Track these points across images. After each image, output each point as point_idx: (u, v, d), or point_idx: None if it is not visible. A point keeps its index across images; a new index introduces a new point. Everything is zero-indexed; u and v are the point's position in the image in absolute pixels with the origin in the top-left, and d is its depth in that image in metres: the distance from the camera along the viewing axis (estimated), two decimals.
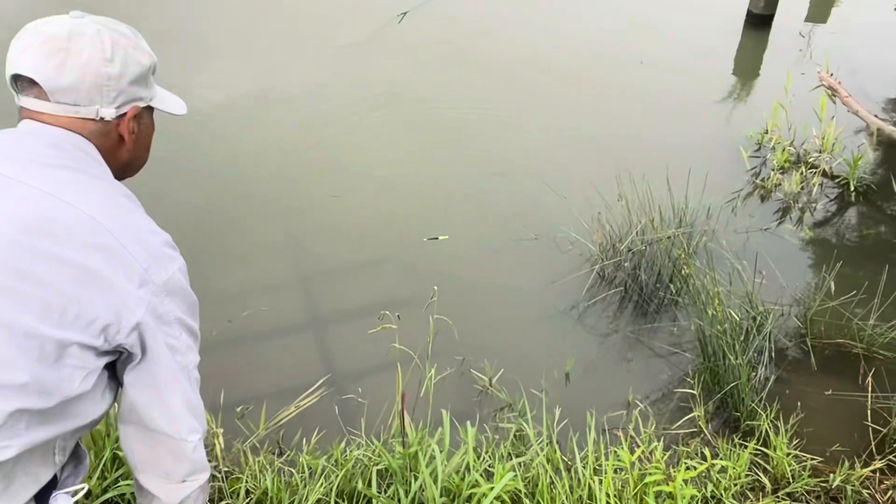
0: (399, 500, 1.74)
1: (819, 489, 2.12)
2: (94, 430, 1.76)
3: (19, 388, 0.86)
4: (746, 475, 2.10)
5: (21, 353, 0.86)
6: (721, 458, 2.12)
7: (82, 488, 1.04)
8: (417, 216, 3.25)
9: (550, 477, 1.86)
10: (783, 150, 3.75)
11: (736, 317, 2.52)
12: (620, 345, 2.71)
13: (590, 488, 1.85)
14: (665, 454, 2.07)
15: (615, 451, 1.95)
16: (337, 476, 1.81)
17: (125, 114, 1.03)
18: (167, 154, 3.34)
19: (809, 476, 2.12)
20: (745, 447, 2.17)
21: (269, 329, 2.64)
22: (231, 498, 1.79)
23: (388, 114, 4.03)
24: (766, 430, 2.24)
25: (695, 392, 2.44)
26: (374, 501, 1.74)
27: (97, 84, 0.97)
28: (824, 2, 5.95)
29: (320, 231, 3.15)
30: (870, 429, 2.36)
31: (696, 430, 2.35)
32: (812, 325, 2.73)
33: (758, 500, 2.05)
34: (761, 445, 2.21)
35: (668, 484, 1.82)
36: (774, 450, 2.16)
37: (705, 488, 2.00)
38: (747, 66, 5.01)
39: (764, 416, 2.29)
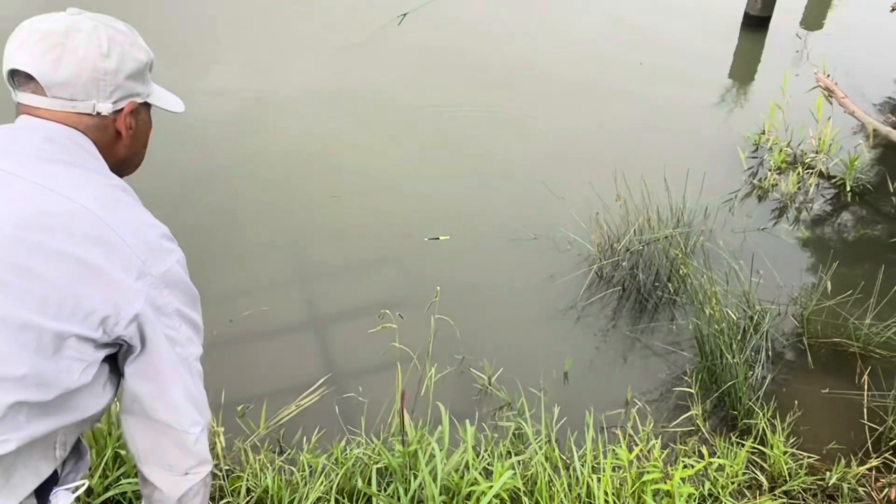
0: (399, 499, 1.74)
1: (816, 487, 2.13)
2: (96, 428, 1.77)
3: (17, 381, 0.86)
4: (744, 473, 2.11)
5: (19, 346, 0.86)
6: (718, 457, 2.13)
7: (83, 484, 1.05)
8: (417, 216, 3.26)
9: (549, 475, 1.87)
10: (780, 150, 3.77)
11: (733, 316, 2.53)
12: (618, 344, 2.73)
13: (588, 486, 1.86)
14: (663, 452, 2.08)
15: (613, 450, 1.96)
16: (337, 474, 1.82)
17: (122, 109, 1.03)
18: (168, 154, 3.35)
19: (806, 474, 2.13)
20: (743, 445, 2.18)
21: (269, 329, 2.65)
22: (232, 496, 1.79)
23: (389, 114, 4.04)
24: (763, 429, 2.25)
25: (692, 391, 2.46)
26: (374, 500, 1.75)
27: (94, 79, 0.98)
28: (821, 3, 5.97)
29: (321, 231, 3.16)
30: (866, 427, 2.37)
31: (693, 428, 2.36)
32: (809, 324, 2.75)
33: (755, 498, 2.06)
34: (758, 444, 2.22)
35: (665, 482, 1.83)
36: (771, 448, 2.17)
37: (703, 486, 2.01)
38: (744, 67, 5.03)
39: (761, 414, 2.30)
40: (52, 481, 1.01)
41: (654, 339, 2.74)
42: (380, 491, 1.79)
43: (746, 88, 4.73)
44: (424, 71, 4.50)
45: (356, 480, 1.82)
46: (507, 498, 1.78)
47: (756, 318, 2.65)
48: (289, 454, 2.08)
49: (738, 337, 2.49)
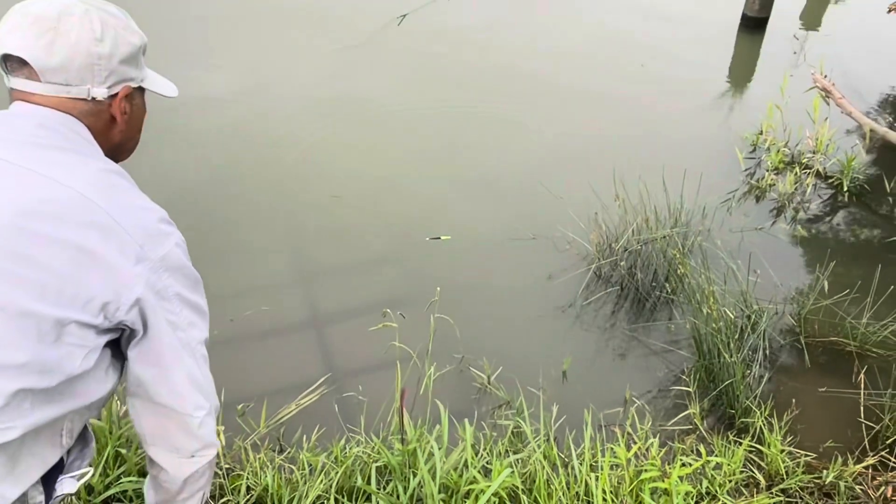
0: (398, 497, 1.75)
1: (813, 485, 2.14)
2: (97, 426, 1.78)
3: (19, 368, 0.87)
4: (741, 472, 2.12)
5: (19, 334, 0.86)
6: (716, 455, 2.14)
7: (88, 472, 1.05)
8: (417, 216, 3.27)
9: (547, 473, 1.88)
10: (778, 150, 3.78)
11: (731, 315, 2.54)
12: (617, 343, 2.74)
13: (586, 485, 1.87)
14: (661, 451, 2.09)
15: (612, 448, 1.97)
16: (337, 473, 1.83)
17: (117, 94, 1.02)
18: (168, 154, 3.36)
19: (803, 472, 2.14)
20: (740, 444, 2.19)
21: (270, 328, 2.66)
22: (232, 495, 1.80)
23: (389, 115, 4.05)
24: (761, 427, 2.26)
25: (690, 389, 2.47)
26: (373, 498, 1.76)
27: (88, 63, 0.97)
28: (818, 5, 5.99)
29: (321, 231, 3.17)
30: (863, 425, 2.38)
31: (691, 427, 2.37)
32: (806, 323, 2.76)
33: (752, 496, 2.07)
34: (756, 442, 2.23)
35: (663, 480, 1.84)
36: (769, 447, 2.18)
37: (700, 485, 2.02)
38: (742, 68, 5.05)
39: (758, 413, 2.31)
40: (57, 468, 1.01)
41: (652, 339, 2.75)
42: (379, 489, 1.80)
43: (744, 89, 4.75)
44: (424, 72, 4.51)
45: (356, 479, 1.82)
46: (505, 496, 1.78)
47: (753, 317, 2.66)
48: (289, 453, 2.09)
49: (736, 336, 2.50)
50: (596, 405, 2.37)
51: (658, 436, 2.23)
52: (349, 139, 3.83)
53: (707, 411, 2.44)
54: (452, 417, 1.96)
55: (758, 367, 2.53)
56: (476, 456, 1.93)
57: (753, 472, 2.14)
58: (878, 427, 2.36)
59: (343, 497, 1.79)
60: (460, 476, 1.80)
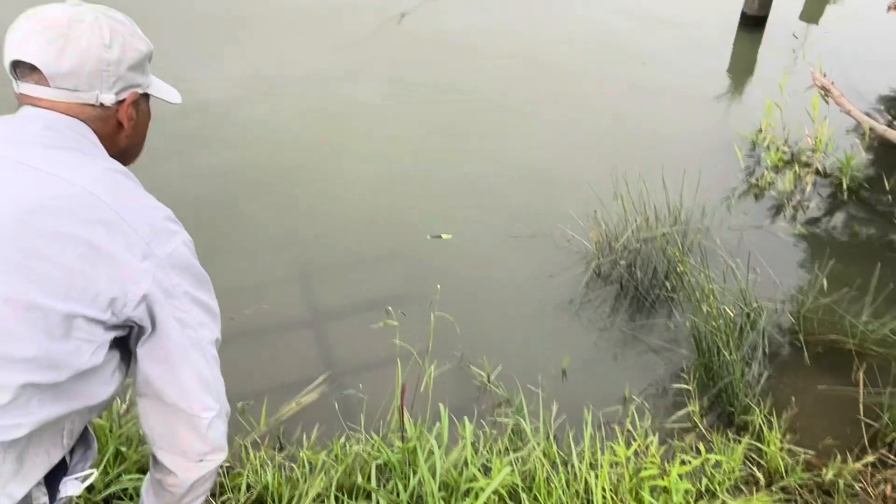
0: (398, 495, 1.75)
1: (812, 483, 2.15)
2: (98, 425, 1.78)
3: (27, 362, 0.87)
4: (740, 469, 2.12)
5: (28, 327, 0.87)
6: (715, 453, 2.14)
7: (91, 473, 1.05)
8: (417, 214, 3.28)
9: (547, 471, 1.88)
10: (777, 149, 3.79)
11: (730, 313, 2.55)
12: (616, 341, 2.74)
13: (586, 483, 1.87)
14: (660, 449, 2.09)
15: (611, 446, 1.98)
16: (337, 471, 1.83)
17: (124, 100, 1.03)
18: (170, 152, 3.36)
19: (803, 470, 2.15)
20: (739, 442, 2.19)
21: (270, 326, 2.66)
22: (232, 492, 1.80)
23: (388, 114, 4.06)
24: (760, 425, 2.27)
25: (690, 387, 2.47)
26: (373, 495, 1.76)
27: (97, 69, 0.98)
28: (818, 3, 6.00)
29: (322, 229, 3.18)
30: (862, 423, 2.38)
31: (690, 425, 2.37)
32: (805, 321, 2.76)
33: (752, 494, 2.07)
34: (755, 440, 2.23)
35: (663, 478, 1.84)
36: (768, 444, 2.18)
37: (700, 482, 2.02)
38: (742, 66, 5.05)
39: (758, 411, 2.31)
40: (60, 470, 1.01)
41: (652, 337, 2.75)
42: (379, 487, 1.80)
43: (743, 87, 4.76)
44: (425, 68, 4.51)
45: (356, 477, 1.83)
46: (505, 494, 1.79)
47: (753, 315, 2.67)
48: (289, 451, 2.09)
49: (735, 334, 2.51)
50: (595, 403, 2.38)
51: (658, 434, 2.23)
52: (350, 137, 3.83)
53: (706, 409, 2.44)
54: (452, 415, 1.96)
55: (757, 365, 2.53)
56: (476, 454, 1.93)
57: (753, 469, 2.15)
58: (877, 425, 2.36)
59: (343, 495, 1.80)
60: (460, 474, 1.80)
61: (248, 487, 1.82)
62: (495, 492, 1.75)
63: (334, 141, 3.78)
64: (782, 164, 3.75)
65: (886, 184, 3.64)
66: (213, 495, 1.80)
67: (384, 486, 1.83)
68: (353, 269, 2.98)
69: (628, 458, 1.91)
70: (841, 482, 2.12)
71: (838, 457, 2.20)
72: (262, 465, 1.90)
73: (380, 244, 3.11)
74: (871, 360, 2.64)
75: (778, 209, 3.51)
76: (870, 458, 2.22)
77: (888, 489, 2.15)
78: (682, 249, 2.90)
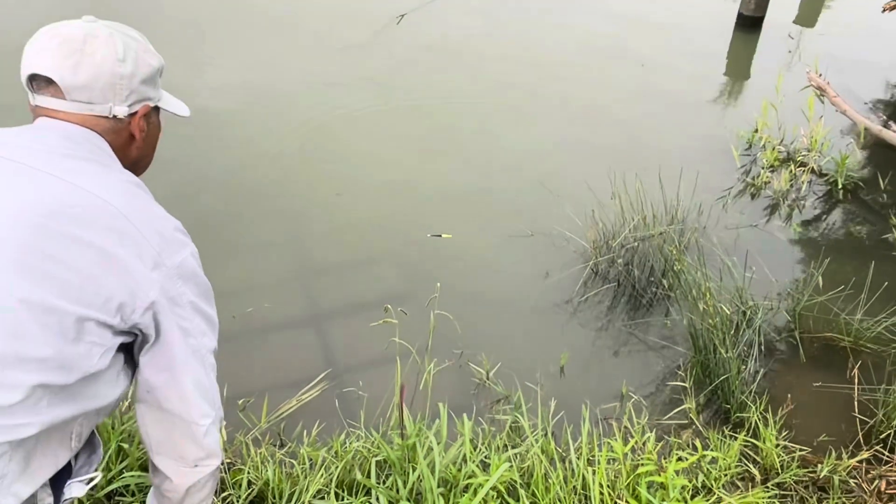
0: (398, 491, 1.77)
1: (807, 479, 2.16)
2: (101, 423, 1.79)
3: (41, 362, 0.89)
4: (736, 466, 2.14)
5: (43, 329, 0.89)
6: (712, 450, 2.16)
7: (96, 476, 1.08)
8: (416, 213, 3.30)
9: (545, 468, 1.90)
10: (773, 148, 3.81)
11: (726, 311, 2.57)
12: (614, 338, 2.76)
13: (583, 479, 1.89)
14: (657, 445, 2.11)
15: (608, 443, 1.99)
16: (337, 467, 1.84)
17: (136, 113, 1.07)
18: (171, 153, 3.36)
19: (798, 466, 2.16)
20: (735, 438, 2.21)
21: (272, 324, 2.68)
22: (233, 489, 1.82)
23: (388, 114, 4.07)
24: (756, 422, 2.28)
25: (686, 385, 2.49)
26: (373, 492, 1.77)
27: (111, 83, 1.02)
28: (813, 4, 6.03)
29: (323, 228, 3.19)
30: (857, 420, 2.41)
31: (687, 421, 2.39)
32: (800, 319, 2.78)
33: (747, 490, 2.09)
34: (751, 437, 2.25)
35: (659, 474, 1.86)
36: (764, 441, 2.20)
37: (696, 478, 2.04)
38: (738, 67, 5.08)
39: (753, 408, 2.33)
40: (65, 472, 1.04)
41: (649, 334, 2.77)
42: (379, 483, 1.81)
43: (740, 87, 4.78)
44: (423, 70, 4.53)
45: (355, 473, 1.84)
46: (503, 490, 1.80)
47: (749, 313, 2.69)
48: (289, 447, 2.10)
49: (732, 332, 2.53)
50: (593, 400, 2.40)
51: (654, 430, 2.25)
52: (349, 138, 3.84)
53: (703, 406, 2.46)
54: (451, 412, 1.98)
55: (753, 362, 2.55)
56: (475, 450, 1.94)
57: (749, 466, 2.16)
58: (871, 422, 2.39)
59: (343, 491, 1.81)
60: (459, 470, 1.81)
61: (249, 484, 1.83)
62: (494, 488, 1.76)
63: (334, 142, 3.80)
64: (778, 164, 3.78)
65: (881, 183, 3.66)
66: (214, 492, 1.81)
67: (384, 482, 1.84)
68: (354, 269, 3.00)
69: (625, 455, 1.93)
70: (836, 478, 2.13)
71: (833, 453, 2.22)
72: (262, 462, 1.91)
73: (380, 244, 3.12)
74: (865, 357, 2.66)
75: (774, 208, 3.54)
76: (864, 455, 2.24)
77: (883, 485, 2.17)
78: (678, 248, 2.92)
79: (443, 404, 1.96)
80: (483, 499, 1.72)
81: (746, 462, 2.18)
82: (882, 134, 3.80)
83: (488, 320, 2.77)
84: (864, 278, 2.79)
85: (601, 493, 1.82)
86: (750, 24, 5.35)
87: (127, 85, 1.04)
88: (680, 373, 2.58)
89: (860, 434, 2.36)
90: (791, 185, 3.64)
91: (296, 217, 3.25)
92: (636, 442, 2.10)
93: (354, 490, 1.82)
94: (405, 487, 1.75)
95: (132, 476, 1.71)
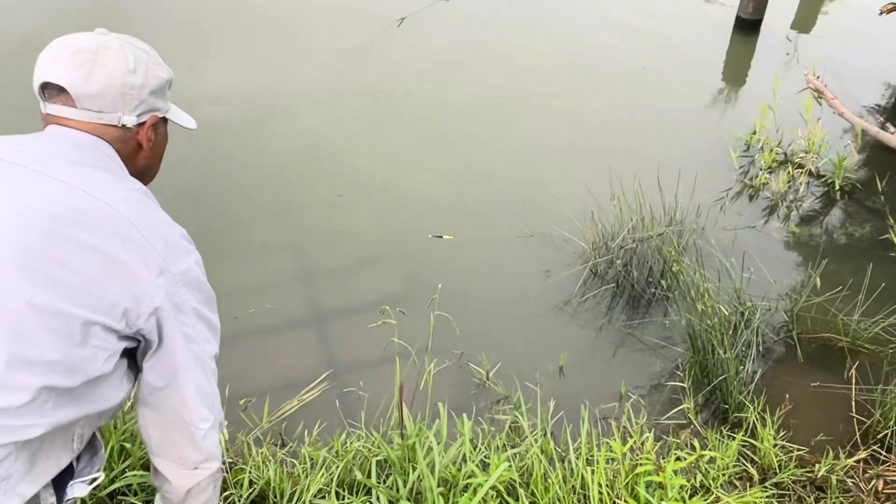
0: (398, 490, 1.78)
1: (805, 479, 2.18)
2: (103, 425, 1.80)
3: (47, 365, 0.91)
4: (734, 465, 2.15)
5: (50, 332, 0.90)
6: (710, 449, 2.17)
7: (98, 477, 1.09)
8: (417, 214, 3.31)
9: (544, 467, 1.91)
10: (771, 150, 3.83)
11: (724, 312, 2.58)
12: (613, 339, 2.77)
13: (582, 478, 1.90)
14: (656, 445, 2.12)
15: (607, 443, 2.00)
16: (337, 467, 1.85)
17: (144, 123, 1.10)
18: (173, 156, 3.38)
19: (796, 466, 2.17)
20: (734, 438, 2.22)
21: (273, 325, 2.69)
22: (235, 488, 1.83)
23: (389, 116, 4.09)
24: (754, 422, 2.29)
25: (685, 385, 2.51)
26: (373, 491, 1.78)
27: (121, 93, 1.05)
28: (811, 7, 6.05)
29: (324, 230, 3.20)
30: (854, 420, 2.42)
31: (685, 421, 2.41)
32: (798, 319, 2.80)
33: (745, 490, 2.10)
34: (749, 437, 2.26)
35: (658, 474, 1.87)
36: (762, 441, 2.21)
37: (694, 478, 2.05)
38: (736, 69, 5.10)
39: (751, 408, 2.35)
40: (68, 473, 1.05)
41: (648, 335, 2.78)
42: (379, 483, 1.82)
43: (738, 90, 4.80)
44: (424, 74, 4.54)
45: (356, 473, 1.85)
46: (503, 490, 1.81)
47: (747, 313, 2.70)
48: (290, 447, 2.11)
49: (730, 332, 2.54)
50: (592, 400, 2.41)
51: (653, 430, 2.26)
52: (350, 139, 3.86)
53: (701, 406, 2.47)
54: (451, 412, 1.99)
55: (751, 362, 2.56)
56: (474, 450, 1.95)
57: (747, 466, 2.17)
58: (869, 421, 2.40)
59: (344, 490, 1.82)
60: (459, 470, 1.82)
61: (251, 483, 1.84)
62: (493, 487, 1.77)
63: (335, 144, 3.81)
64: (776, 165, 3.79)
65: (879, 185, 3.68)
66: None
67: (384, 481, 1.85)
68: (355, 270, 3.01)
69: (624, 455, 1.94)
70: (833, 478, 2.15)
71: (831, 453, 2.24)
72: (264, 462, 1.92)
73: (380, 245, 3.13)
74: (863, 357, 2.68)
75: (772, 209, 3.55)
76: (862, 454, 2.25)
77: (880, 484, 2.18)
78: (677, 249, 2.94)
79: (443, 404, 1.98)
80: (482, 498, 1.73)
81: (744, 462, 2.19)
82: (879, 136, 3.82)
83: (488, 321, 2.78)
84: (862, 279, 2.80)
85: (600, 493, 1.83)
86: (748, 27, 5.36)
87: (137, 95, 1.06)
88: (678, 373, 2.60)
89: (857, 434, 2.37)
90: (789, 187, 3.65)
91: (297, 218, 3.26)
92: (635, 442, 2.11)
93: (355, 489, 1.83)
94: (405, 487, 1.76)
95: (134, 475, 1.73)
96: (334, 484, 1.81)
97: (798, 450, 2.25)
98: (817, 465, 2.19)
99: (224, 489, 1.84)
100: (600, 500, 1.83)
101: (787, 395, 2.48)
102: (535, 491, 1.83)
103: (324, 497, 1.79)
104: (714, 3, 5.77)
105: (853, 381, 2.53)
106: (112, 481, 1.73)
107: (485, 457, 1.97)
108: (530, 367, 2.56)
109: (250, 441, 2.04)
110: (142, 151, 1.12)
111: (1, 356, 0.88)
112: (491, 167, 3.68)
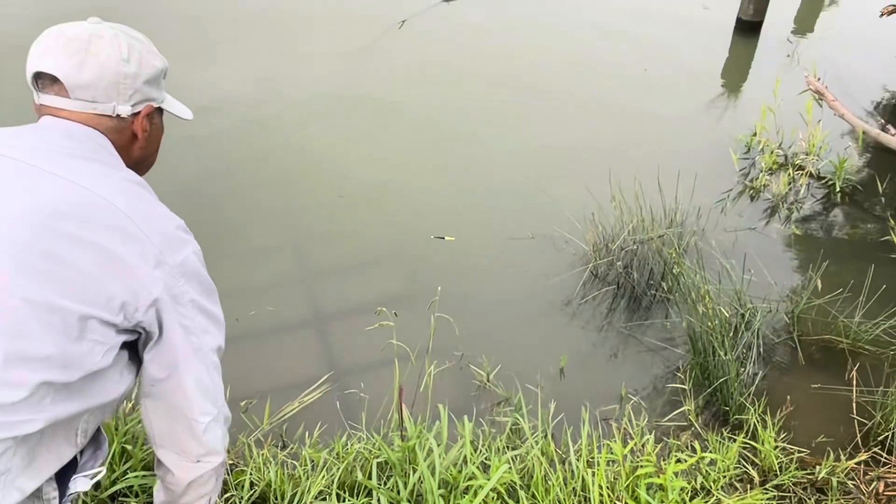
0: (398, 492, 1.78)
1: (806, 481, 2.17)
2: (104, 424, 1.80)
3: (44, 361, 0.90)
4: (735, 468, 2.14)
5: (47, 327, 0.90)
6: (710, 451, 2.17)
7: (100, 471, 1.09)
8: (418, 216, 3.31)
9: (545, 469, 1.91)
10: (771, 152, 3.83)
11: (725, 314, 2.58)
12: (613, 340, 2.77)
13: (583, 480, 1.90)
14: (656, 447, 2.12)
15: (608, 444, 2.00)
16: (338, 469, 1.86)
17: (139, 113, 1.09)
18: (172, 157, 3.39)
19: (796, 468, 2.17)
20: (734, 440, 2.22)
21: (274, 327, 2.69)
22: (236, 490, 1.83)
23: (390, 117, 4.09)
24: (755, 424, 2.29)
25: (685, 387, 2.51)
26: (374, 493, 1.78)
27: (115, 82, 1.04)
28: (812, 8, 6.05)
29: (325, 231, 3.21)
30: (855, 422, 2.42)
31: (686, 423, 2.41)
32: (799, 321, 2.79)
33: (746, 491, 2.10)
34: (750, 439, 2.26)
35: (658, 476, 1.87)
36: (762, 443, 2.21)
37: (695, 480, 2.04)
38: (736, 71, 5.10)
39: (752, 410, 2.34)
40: (71, 467, 1.05)
41: (648, 336, 2.79)
42: (380, 485, 1.83)
43: (738, 91, 4.80)
44: (423, 75, 4.55)
45: (357, 474, 1.85)
46: (503, 492, 1.81)
47: (748, 315, 2.70)
48: (291, 449, 2.11)
49: (731, 334, 2.54)
50: (593, 402, 2.41)
51: (654, 432, 2.26)
52: (351, 141, 3.86)
53: (702, 408, 2.47)
54: (452, 414, 1.99)
55: (752, 364, 2.56)
56: (475, 452, 1.95)
57: (747, 468, 2.17)
58: (870, 423, 2.40)
59: (344, 492, 1.82)
60: (459, 472, 1.83)
61: (252, 485, 1.84)
62: (494, 489, 1.77)
63: (335, 144, 3.82)
64: (776, 167, 3.80)
65: (879, 186, 3.68)
66: None
67: (385, 483, 1.85)
68: (356, 271, 3.01)
69: (625, 456, 1.94)
70: (834, 480, 2.14)
71: (831, 455, 2.23)
72: (265, 463, 1.92)
73: (381, 246, 3.14)
74: (864, 359, 2.68)
75: (772, 211, 3.55)
76: (863, 456, 2.25)
77: (881, 486, 2.18)
78: (677, 251, 2.94)
79: (443, 406, 1.98)
80: (483, 500, 1.73)
81: (745, 464, 2.19)
82: (880, 137, 3.82)
83: (489, 322, 2.78)
84: (863, 281, 2.80)
85: (601, 495, 1.83)
86: (748, 28, 5.37)
87: (131, 84, 1.05)
88: (679, 375, 2.60)
89: (858, 436, 2.37)
90: (789, 189, 3.66)
91: (298, 219, 3.27)
92: (635, 444, 2.11)
93: (356, 491, 1.83)
94: (406, 489, 1.76)
95: (136, 477, 1.73)
96: (335, 486, 1.81)
97: (799, 452, 2.25)
98: (818, 468, 2.19)
99: (225, 491, 1.84)
100: (601, 502, 1.83)
101: (788, 397, 2.48)
102: (535, 493, 1.83)
103: (324, 499, 1.79)
104: (710, 8, 5.77)
105: (854, 382, 2.53)
106: (113, 483, 1.73)
107: (485, 458, 1.97)
108: (531, 368, 2.56)
109: (251, 443, 2.04)
110: (137, 142, 1.11)
111: None
112: (491, 168, 3.68)
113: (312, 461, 1.96)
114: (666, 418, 2.42)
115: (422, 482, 1.77)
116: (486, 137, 3.95)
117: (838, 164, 3.67)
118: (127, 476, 1.74)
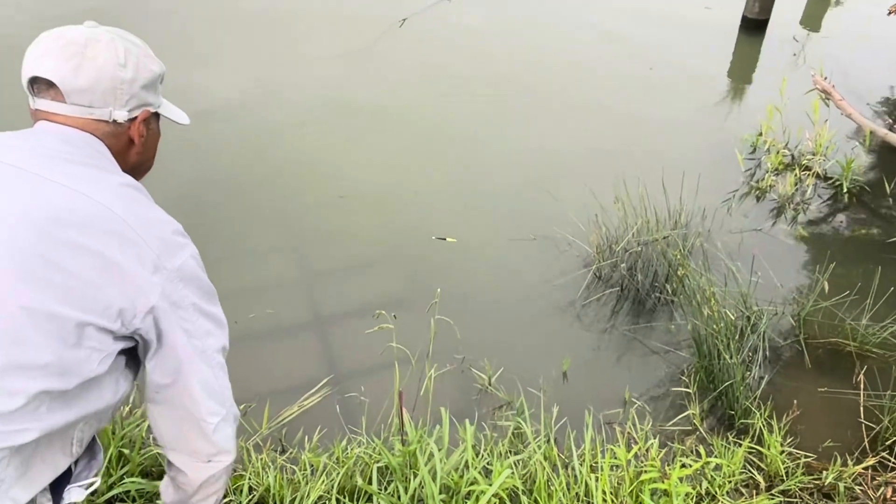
0: (399, 497, 1.76)
1: (812, 486, 2.15)
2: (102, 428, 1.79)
3: (42, 368, 0.89)
4: (741, 472, 2.12)
5: (44, 335, 0.89)
6: (716, 456, 2.15)
7: (95, 482, 1.08)
8: (419, 218, 3.30)
9: (548, 474, 1.89)
10: (777, 152, 3.79)
11: (731, 316, 2.55)
12: (617, 344, 2.75)
13: (586, 485, 1.88)
14: (661, 451, 2.10)
15: (612, 449, 1.98)
16: (338, 473, 1.84)
17: (136, 118, 1.08)
18: (172, 158, 3.38)
19: (803, 473, 2.15)
20: (740, 445, 2.20)
21: (274, 330, 2.68)
22: (234, 494, 1.81)
23: (390, 117, 4.08)
24: (761, 428, 2.27)
25: (690, 390, 2.48)
26: (374, 498, 1.77)
27: (111, 87, 1.02)
28: (818, 7, 6.01)
29: (325, 234, 3.20)
30: (862, 426, 2.39)
31: (691, 428, 2.38)
32: (806, 324, 2.77)
33: (752, 497, 2.08)
34: (755, 443, 2.23)
35: (663, 481, 1.85)
36: (768, 447, 2.19)
37: (700, 486, 2.03)
38: (742, 70, 5.07)
39: (758, 414, 2.32)
40: (65, 477, 1.04)
41: (653, 339, 2.76)
42: (380, 490, 1.81)
43: (744, 91, 4.77)
44: (425, 76, 4.53)
45: (357, 479, 1.84)
46: (505, 497, 1.79)
47: (753, 318, 2.67)
48: (291, 453, 2.10)
49: (736, 337, 2.51)
50: (596, 406, 2.39)
51: (658, 436, 2.24)
52: (351, 142, 3.85)
53: (707, 412, 2.45)
54: (453, 418, 1.97)
55: (758, 368, 2.54)
56: (477, 457, 1.94)
57: (753, 473, 2.15)
58: (877, 428, 2.37)
59: (344, 497, 1.81)
60: (461, 477, 1.81)
61: (251, 490, 1.83)
62: (496, 495, 1.76)
63: (336, 146, 3.80)
64: (783, 167, 3.76)
65: (887, 187, 3.64)
66: None
67: (385, 488, 1.84)
68: (356, 274, 3.00)
69: (629, 461, 1.92)
70: (841, 485, 2.12)
71: (838, 460, 2.21)
72: (264, 468, 1.91)
73: (382, 248, 3.12)
74: (871, 362, 2.64)
75: (778, 212, 3.52)
76: (870, 461, 2.22)
77: (888, 492, 2.15)
78: (682, 252, 2.91)
79: (445, 410, 1.96)
80: None
81: (751, 469, 2.17)
82: (888, 137, 3.78)
83: (490, 324, 2.76)
84: (870, 283, 2.77)
85: (604, 500, 1.81)
86: (754, 27, 5.33)
87: (127, 89, 1.04)
88: (684, 378, 2.57)
89: (866, 440, 2.34)
90: (796, 189, 3.62)
91: (297, 221, 3.25)
92: (639, 448, 2.09)
93: (356, 496, 1.82)
94: (406, 494, 1.75)
95: (132, 482, 1.71)
96: (335, 490, 1.80)
97: (805, 456, 2.23)
98: (825, 473, 2.16)
99: (224, 496, 1.83)
100: None
101: (795, 401, 2.45)
102: (538, 498, 1.81)
103: None
104: (712, 8, 5.74)
105: (861, 386, 2.50)
106: (110, 488, 1.72)
107: (487, 463, 1.95)
108: (533, 371, 2.54)
109: (250, 447, 2.03)
110: (134, 147, 1.10)
111: None
112: (492, 169, 3.66)
113: (312, 466, 1.94)
114: (670, 422, 2.40)
115: (423, 487, 1.75)
116: (487, 138, 3.93)
117: (845, 164, 3.63)
118: (124, 481, 1.72)
